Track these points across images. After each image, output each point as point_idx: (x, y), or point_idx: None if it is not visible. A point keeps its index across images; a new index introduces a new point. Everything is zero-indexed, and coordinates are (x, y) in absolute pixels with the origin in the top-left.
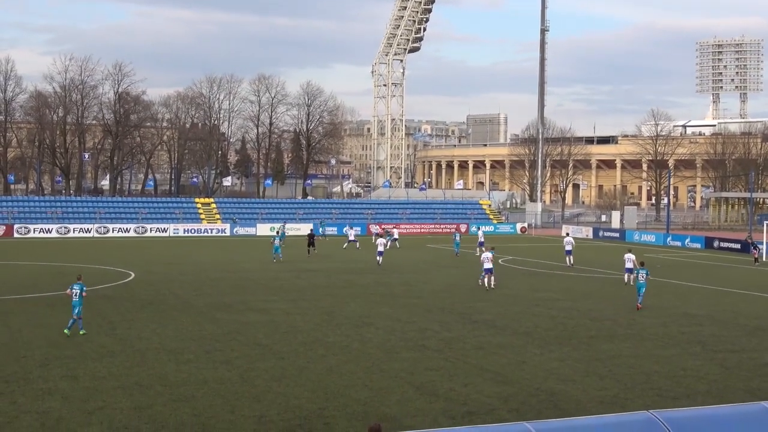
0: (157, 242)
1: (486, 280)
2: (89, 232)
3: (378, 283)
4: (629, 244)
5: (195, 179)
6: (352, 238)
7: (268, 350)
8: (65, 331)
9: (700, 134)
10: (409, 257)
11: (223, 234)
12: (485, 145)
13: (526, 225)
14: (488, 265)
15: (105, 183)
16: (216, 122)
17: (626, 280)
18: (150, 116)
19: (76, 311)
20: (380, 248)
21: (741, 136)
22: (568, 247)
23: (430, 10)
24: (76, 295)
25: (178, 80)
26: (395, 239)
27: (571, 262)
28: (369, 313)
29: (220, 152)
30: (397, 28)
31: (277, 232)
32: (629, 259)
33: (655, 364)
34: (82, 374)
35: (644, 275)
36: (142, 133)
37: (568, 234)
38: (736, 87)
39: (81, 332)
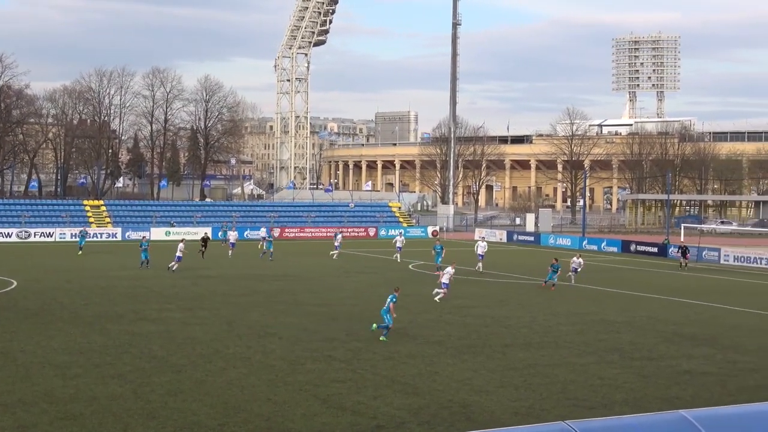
0: (42, 248)
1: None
2: None
3: (282, 291)
4: (544, 248)
5: (83, 180)
6: (337, 244)
7: (163, 363)
8: (382, 338)
9: (616, 134)
10: (314, 263)
11: (114, 239)
12: (395, 144)
13: (437, 228)
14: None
15: None
16: (106, 118)
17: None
18: (34, 112)
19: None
20: (399, 244)
21: (658, 135)
22: (481, 251)
23: (336, 2)
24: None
25: (65, 73)
26: (232, 243)
27: (480, 268)
28: (272, 322)
29: (110, 151)
30: (302, 20)
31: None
32: (574, 262)
33: (572, 373)
34: None
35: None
36: (26, 130)
37: (483, 238)
38: (653, 85)
39: (381, 339)
